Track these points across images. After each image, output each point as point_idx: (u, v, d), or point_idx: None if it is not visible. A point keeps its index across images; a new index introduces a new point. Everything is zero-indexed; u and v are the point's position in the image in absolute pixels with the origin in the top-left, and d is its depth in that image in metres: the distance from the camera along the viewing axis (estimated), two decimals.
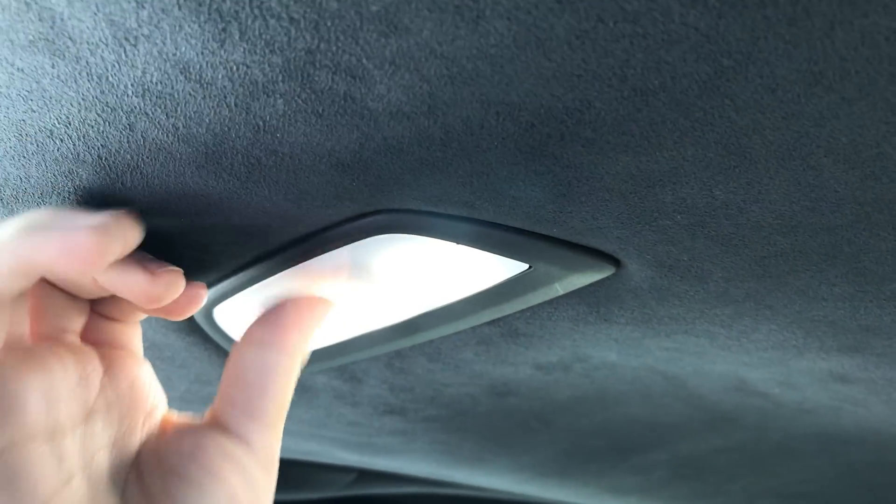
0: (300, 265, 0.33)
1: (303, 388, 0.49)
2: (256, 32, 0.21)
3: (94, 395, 0.27)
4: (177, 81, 0.23)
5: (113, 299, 0.30)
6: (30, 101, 0.25)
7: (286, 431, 0.61)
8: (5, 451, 0.23)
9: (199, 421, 0.30)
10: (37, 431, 0.24)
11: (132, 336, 0.31)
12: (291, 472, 0.78)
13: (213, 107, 0.24)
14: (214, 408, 0.31)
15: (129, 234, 0.26)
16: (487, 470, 0.72)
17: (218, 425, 0.30)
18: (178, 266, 0.32)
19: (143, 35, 0.21)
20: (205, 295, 0.31)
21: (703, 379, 0.47)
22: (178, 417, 0.31)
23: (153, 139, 0.26)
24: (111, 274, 0.27)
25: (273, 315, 0.32)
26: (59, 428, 0.25)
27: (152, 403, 0.30)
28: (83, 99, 0.24)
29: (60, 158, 0.27)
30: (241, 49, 0.21)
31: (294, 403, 0.51)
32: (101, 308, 0.30)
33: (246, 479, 0.29)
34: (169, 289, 0.28)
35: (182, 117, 0.25)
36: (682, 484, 0.80)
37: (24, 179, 0.29)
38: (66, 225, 0.24)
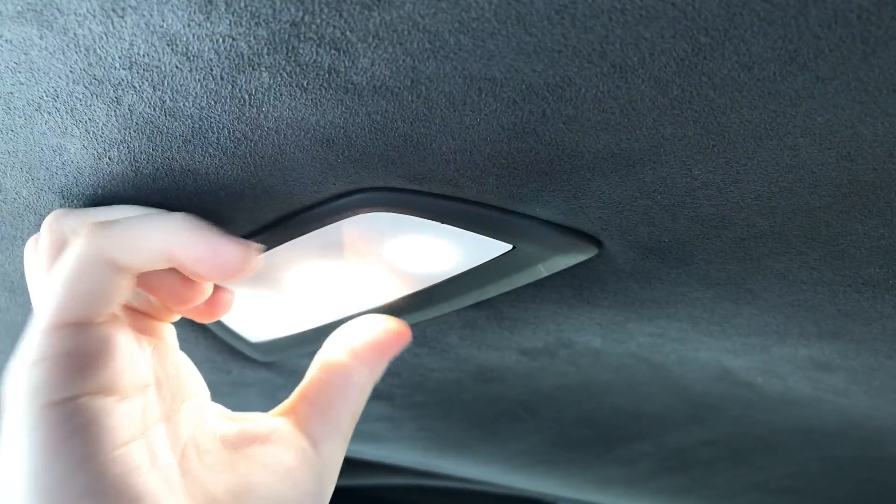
0: (286, 244, 0.33)
1: (290, 371, 0.49)
2: (242, 4, 0.21)
3: (149, 370, 0.28)
4: (163, 54, 0.23)
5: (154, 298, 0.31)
6: (18, 74, 0.25)
7: None
8: (86, 399, 0.24)
9: (265, 415, 0.31)
10: (117, 387, 0.26)
11: (170, 331, 0.32)
12: None
13: (199, 80, 0.24)
14: (291, 404, 0.31)
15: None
16: (474, 458, 0.72)
17: (292, 420, 0.30)
18: None
19: (130, 6, 0.22)
20: (232, 300, 0.32)
21: (687, 368, 0.47)
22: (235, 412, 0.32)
23: (140, 113, 0.26)
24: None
25: (371, 331, 0.32)
26: (127, 390, 0.26)
27: (196, 390, 0.31)
28: (71, 71, 0.25)
29: (48, 132, 0.28)
30: (227, 21, 0.22)
31: (280, 388, 0.52)
32: (141, 305, 0.32)
33: (313, 476, 0.29)
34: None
35: (169, 90, 0.25)
36: (667, 477, 0.81)
37: (11, 154, 0.29)
38: (217, 235, 0.26)
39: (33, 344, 0.24)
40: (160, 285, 0.28)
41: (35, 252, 0.30)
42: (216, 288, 0.31)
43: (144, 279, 0.28)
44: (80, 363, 0.24)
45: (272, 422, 0.30)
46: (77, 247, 0.25)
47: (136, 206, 0.31)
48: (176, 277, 0.28)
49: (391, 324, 0.32)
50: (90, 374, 0.25)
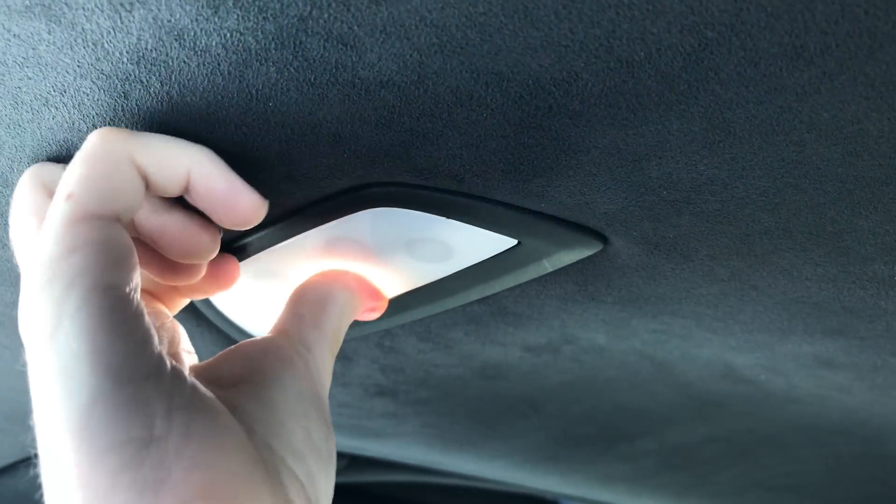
0: (291, 239, 0.33)
1: None
2: None
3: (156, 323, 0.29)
4: (171, 48, 0.23)
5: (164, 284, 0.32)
6: (25, 69, 0.25)
7: None
8: (130, 289, 0.24)
9: (256, 338, 0.32)
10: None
11: (174, 309, 0.33)
12: None
13: (206, 75, 0.24)
14: (279, 323, 0.32)
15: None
16: (477, 455, 0.72)
17: (283, 334, 0.31)
18: None
19: (138, 1, 0.22)
20: (237, 272, 0.33)
21: (691, 364, 0.47)
22: None
23: (147, 108, 0.26)
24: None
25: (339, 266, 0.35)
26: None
27: (189, 350, 0.32)
28: (78, 66, 0.25)
29: (55, 127, 0.28)
30: (235, 16, 0.22)
31: None
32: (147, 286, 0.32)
33: (312, 376, 0.30)
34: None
35: (176, 85, 0.25)
36: (670, 474, 0.81)
37: (18, 148, 0.29)
38: (238, 178, 0.26)
39: (59, 234, 0.23)
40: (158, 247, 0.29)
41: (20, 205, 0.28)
42: (221, 257, 0.32)
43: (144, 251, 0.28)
44: (116, 254, 0.24)
45: (268, 339, 0.31)
46: (101, 142, 0.25)
47: (201, 147, 0.29)
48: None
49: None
50: (127, 267, 0.24)
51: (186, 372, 0.26)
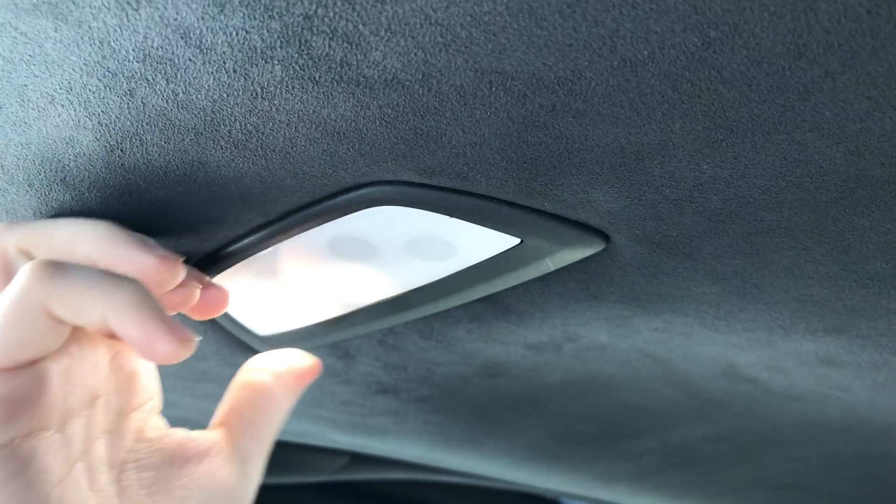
0: (295, 237, 0.33)
1: None
2: None
3: (101, 381, 0.29)
4: (177, 47, 0.23)
5: None
6: (32, 66, 0.25)
7: None
8: (21, 441, 0.24)
9: (200, 435, 0.33)
10: (52, 420, 0.26)
11: None
12: (284, 455, 0.78)
13: (212, 73, 0.24)
14: (223, 420, 0.33)
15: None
16: (478, 453, 0.73)
17: (225, 439, 0.32)
18: (173, 236, 0.33)
19: None
20: (227, 298, 0.34)
21: (693, 363, 0.47)
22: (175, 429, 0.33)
23: (153, 105, 0.26)
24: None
25: (290, 361, 0.36)
26: (69, 413, 0.27)
27: (148, 397, 0.32)
28: (85, 64, 0.25)
29: (61, 125, 0.28)
30: (241, 14, 0.22)
31: None
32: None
33: (245, 494, 0.32)
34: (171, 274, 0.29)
35: (182, 83, 0.25)
36: (671, 472, 0.81)
37: (24, 146, 0.29)
38: (156, 321, 0.26)
39: None
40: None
41: None
42: (208, 287, 0.33)
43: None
44: (11, 408, 0.24)
45: (208, 437, 0.32)
46: (16, 289, 0.25)
47: (99, 221, 0.30)
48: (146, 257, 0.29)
49: (306, 357, 0.37)
50: (23, 417, 0.25)
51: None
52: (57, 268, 0.26)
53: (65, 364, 0.27)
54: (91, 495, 0.26)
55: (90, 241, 0.29)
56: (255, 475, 0.33)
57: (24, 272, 0.26)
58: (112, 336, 0.28)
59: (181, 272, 0.30)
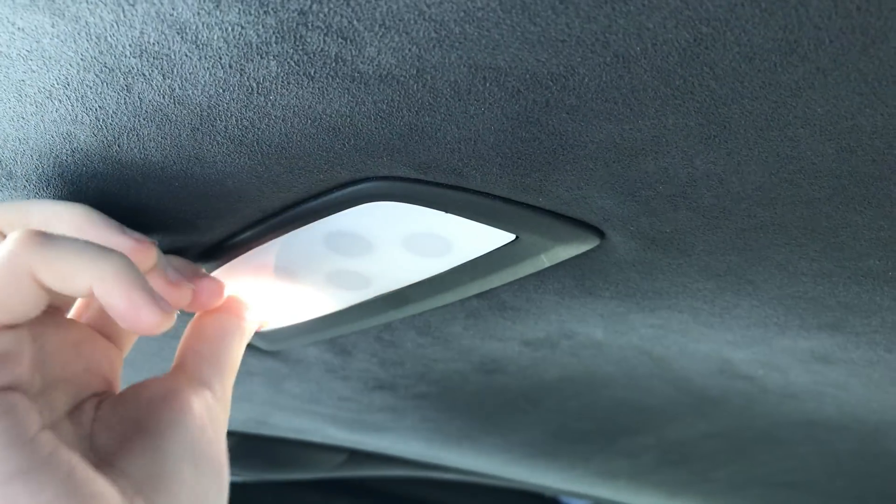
0: (291, 233, 0.34)
1: (295, 360, 0.50)
2: None
3: (66, 361, 0.30)
4: (173, 42, 0.24)
5: None
6: (29, 62, 0.26)
7: (279, 407, 0.62)
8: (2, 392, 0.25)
9: (159, 377, 0.33)
10: (25, 384, 0.26)
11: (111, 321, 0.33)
12: (283, 451, 0.79)
13: (208, 68, 0.24)
14: (178, 360, 0.34)
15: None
16: (476, 450, 0.73)
17: (183, 373, 0.33)
18: (171, 232, 0.33)
19: None
20: (223, 291, 0.35)
21: (689, 360, 0.48)
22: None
23: (149, 101, 0.26)
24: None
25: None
26: (40, 384, 0.27)
27: (107, 388, 0.32)
28: (82, 59, 0.25)
29: (58, 120, 0.28)
30: (237, 10, 0.22)
31: (286, 377, 0.52)
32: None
33: (211, 416, 0.32)
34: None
35: (178, 78, 0.25)
36: (669, 470, 0.81)
37: (22, 141, 0.30)
38: (141, 292, 0.27)
39: None
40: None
41: None
42: (203, 279, 0.33)
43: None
44: None
45: (166, 378, 0.32)
46: (4, 253, 0.26)
47: (75, 204, 0.30)
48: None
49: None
50: (3, 371, 0.26)
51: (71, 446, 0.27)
52: (46, 237, 0.26)
53: (38, 333, 0.27)
54: (74, 451, 0.27)
55: (66, 222, 0.29)
56: (223, 402, 0.33)
57: (13, 239, 0.26)
58: (88, 311, 0.30)
59: (154, 255, 0.30)
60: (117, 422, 0.30)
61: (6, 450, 0.24)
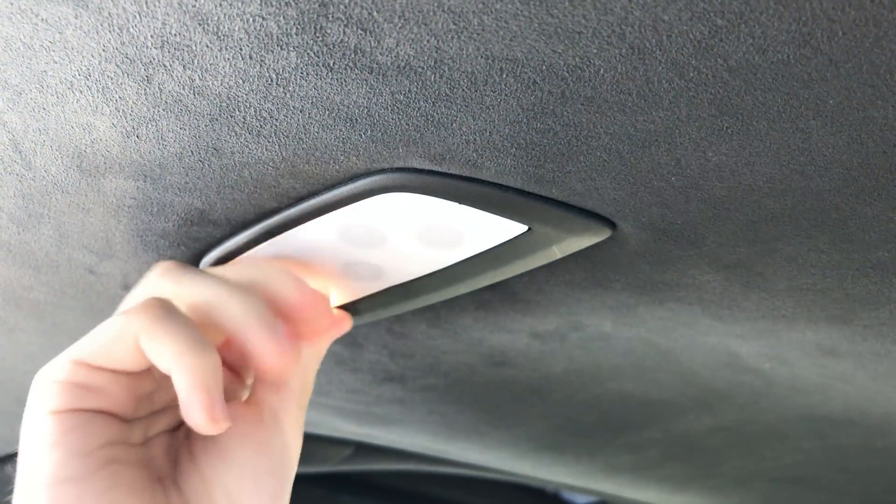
0: (305, 225, 0.34)
1: None
2: None
3: (173, 397, 0.33)
4: (195, 33, 0.24)
5: None
6: (52, 53, 0.26)
7: None
8: (80, 412, 0.30)
9: (242, 404, 0.35)
10: (116, 411, 0.31)
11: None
12: None
13: (228, 59, 0.25)
14: (257, 392, 0.35)
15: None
16: (483, 443, 0.73)
17: (254, 402, 0.34)
18: (186, 222, 0.34)
19: None
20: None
21: (696, 352, 0.48)
22: None
23: (169, 91, 0.27)
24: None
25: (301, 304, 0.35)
26: (131, 413, 0.31)
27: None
28: (104, 50, 0.25)
29: (79, 110, 0.29)
30: (258, 1, 0.22)
31: None
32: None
33: (273, 447, 0.34)
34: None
35: (198, 69, 0.26)
36: (673, 464, 0.81)
37: (42, 132, 0.30)
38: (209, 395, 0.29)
39: (59, 366, 0.30)
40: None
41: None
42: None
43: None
44: (81, 392, 0.29)
45: (251, 411, 0.34)
46: (128, 312, 0.29)
47: (248, 296, 0.31)
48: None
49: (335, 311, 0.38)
50: (88, 399, 0.29)
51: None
52: (163, 313, 0.29)
53: (130, 385, 0.31)
54: (141, 468, 0.31)
55: (229, 317, 0.30)
56: (291, 426, 0.35)
57: (141, 303, 0.29)
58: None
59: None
60: (199, 443, 0.33)
61: (66, 458, 0.28)
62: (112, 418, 0.30)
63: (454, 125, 0.27)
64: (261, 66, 0.25)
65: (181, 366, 0.28)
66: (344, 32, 0.23)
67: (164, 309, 0.29)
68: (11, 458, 0.83)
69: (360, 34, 0.23)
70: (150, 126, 0.29)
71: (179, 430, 0.34)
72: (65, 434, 0.29)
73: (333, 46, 0.24)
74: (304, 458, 0.87)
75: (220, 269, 0.33)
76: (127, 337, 0.29)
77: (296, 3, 0.22)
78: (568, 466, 0.84)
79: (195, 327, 0.29)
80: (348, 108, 0.26)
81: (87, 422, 0.29)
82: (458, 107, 0.26)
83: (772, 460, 0.79)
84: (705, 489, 0.92)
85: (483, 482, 1.20)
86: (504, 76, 0.24)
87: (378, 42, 0.23)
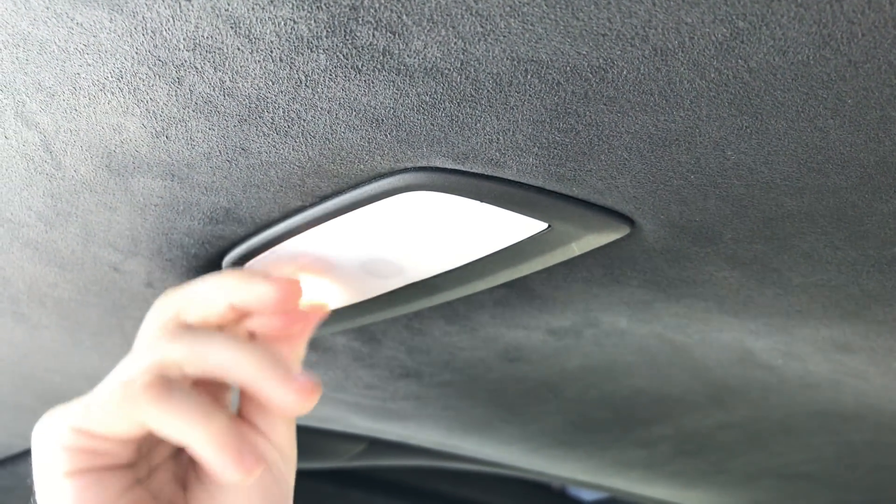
0: (329, 221, 0.34)
1: (322, 348, 0.51)
2: None
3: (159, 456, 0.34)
4: (227, 36, 0.25)
5: None
6: (86, 55, 0.27)
7: None
8: (89, 473, 0.30)
9: None
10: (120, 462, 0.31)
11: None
12: (301, 440, 0.79)
13: (258, 61, 0.25)
14: (242, 411, 0.34)
15: None
16: (496, 439, 0.74)
17: (243, 421, 0.34)
18: (212, 220, 0.34)
19: None
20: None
21: (710, 348, 0.48)
22: None
23: (199, 93, 0.27)
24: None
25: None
26: (133, 459, 0.32)
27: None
28: (136, 53, 0.26)
29: (110, 111, 0.29)
30: (290, 4, 0.23)
31: (313, 364, 0.53)
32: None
33: (281, 459, 0.33)
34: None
35: (229, 71, 0.26)
36: (684, 460, 0.82)
37: (73, 132, 0.31)
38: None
39: (61, 432, 0.30)
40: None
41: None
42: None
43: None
44: (89, 455, 0.30)
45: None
46: (126, 392, 0.29)
47: (256, 348, 0.31)
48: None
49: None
50: (98, 460, 0.30)
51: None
52: (162, 391, 0.29)
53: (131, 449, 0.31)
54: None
55: (244, 377, 0.30)
56: (282, 442, 0.34)
57: (138, 380, 0.29)
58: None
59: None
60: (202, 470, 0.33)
61: None
62: (123, 468, 0.31)
63: (478, 125, 0.27)
64: (290, 67, 0.26)
65: (199, 436, 0.28)
66: (373, 35, 0.24)
67: (164, 387, 0.29)
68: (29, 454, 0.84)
69: (389, 37, 0.24)
70: (179, 126, 0.29)
71: (183, 455, 0.34)
72: (83, 491, 0.29)
73: (362, 49, 0.24)
74: (318, 453, 0.88)
75: (197, 287, 0.32)
76: (129, 416, 0.29)
77: (326, 7, 0.23)
78: (580, 462, 0.84)
79: (196, 392, 0.29)
80: (375, 108, 0.27)
81: (100, 478, 0.30)
82: (483, 107, 0.26)
83: (782, 456, 0.80)
84: (715, 485, 0.92)
85: (491, 479, 1.21)
86: (528, 77, 0.25)
87: (406, 44, 0.24)
